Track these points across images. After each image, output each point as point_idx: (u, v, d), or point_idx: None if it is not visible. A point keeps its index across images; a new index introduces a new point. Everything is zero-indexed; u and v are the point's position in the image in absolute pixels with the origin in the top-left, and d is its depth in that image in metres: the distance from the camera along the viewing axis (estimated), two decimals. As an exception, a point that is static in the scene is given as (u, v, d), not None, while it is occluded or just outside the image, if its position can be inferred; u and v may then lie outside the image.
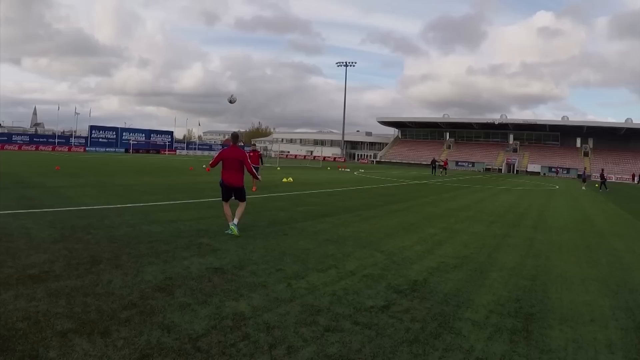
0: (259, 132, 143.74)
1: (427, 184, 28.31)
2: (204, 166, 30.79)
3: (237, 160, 7.90)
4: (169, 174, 23.47)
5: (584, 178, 38.98)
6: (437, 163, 47.06)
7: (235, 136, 8.30)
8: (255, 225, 8.95)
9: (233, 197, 8.10)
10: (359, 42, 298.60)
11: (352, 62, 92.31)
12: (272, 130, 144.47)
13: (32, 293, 4.38)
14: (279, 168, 37.57)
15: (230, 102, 9.52)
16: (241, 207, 8.09)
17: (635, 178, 43.82)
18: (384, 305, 4.65)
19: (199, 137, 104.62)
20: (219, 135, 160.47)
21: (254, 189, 15.99)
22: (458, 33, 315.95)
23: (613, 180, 60.27)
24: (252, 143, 22.78)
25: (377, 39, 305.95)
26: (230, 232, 7.75)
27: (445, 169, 47.40)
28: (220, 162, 8.03)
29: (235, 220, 7.85)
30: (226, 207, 8.10)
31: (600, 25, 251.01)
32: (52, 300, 4.24)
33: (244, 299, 4.54)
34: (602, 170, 38.61)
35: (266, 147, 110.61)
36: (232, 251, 6.62)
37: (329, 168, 47.02)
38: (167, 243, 7.01)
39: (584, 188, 34.88)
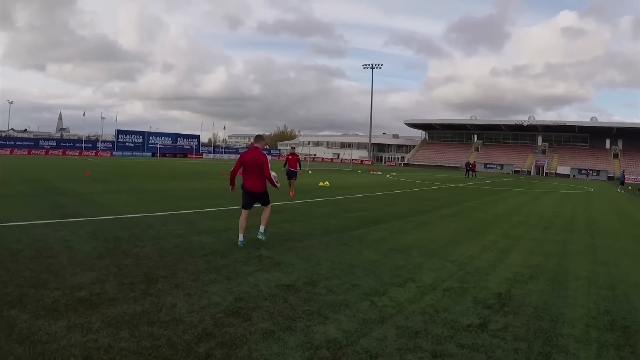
0: (284, 135, 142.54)
1: (464, 187, 27.43)
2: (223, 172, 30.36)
3: (256, 163, 7.04)
4: (201, 178, 22.92)
5: (622, 181, 37.12)
6: (470, 166, 45.62)
7: (258, 137, 7.37)
8: (310, 234, 8.42)
9: (255, 205, 7.28)
10: (381, 44, 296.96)
11: (379, 64, 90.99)
12: (297, 133, 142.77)
13: (87, 323, 3.66)
14: (310, 172, 36.81)
15: None
16: (266, 212, 7.30)
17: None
18: (481, 323, 4.33)
19: (224, 140, 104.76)
20: (244, 138, 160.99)
21: (292, 194, 15.20)
22: (481, 34, 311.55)
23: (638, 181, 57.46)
24: (292, 147, 22.35)
25: (399, 41, 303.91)
26: (239, 243, 6.96)
27: (475, 171, 46.48)
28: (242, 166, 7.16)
29: (262, 228, 7.17)
30: (243, 217, 7.12)
31: (624, 24, 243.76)
32: (113, 331, 3.52)
33: (331, 322, 4.07)
34: None
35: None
36: (296, 264, 6.06)
37: (359, 171, 46.05)
38: (224, 256, 6.29)
39: (621, 191, 33.44)
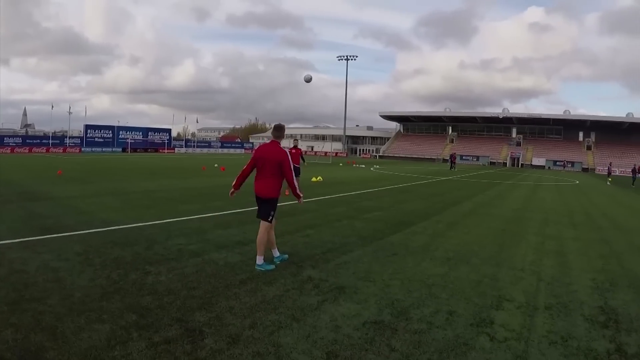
0: (256, 128, 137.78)
1: (457, 181, 26.76)
2: (216, 165, 28.53)
3: (274, 162, 5.52)
4: (184, 175, 20.95)
5: (609, 172, 37.28)
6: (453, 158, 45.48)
7: (278, 128, 5.72)
8: (347, 243, 7.31)
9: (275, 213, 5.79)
10: (351, 37, 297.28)
11: (354, 56, 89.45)
12: (268, 126, 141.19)
13: None
14: (293, 166, 35.20)
15: (307, 81, 7.07)
16: (262, 230, 5.56)
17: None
18: (616, 348, 3.80)
19: (193, 134, 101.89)
20: (214, 132, 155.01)
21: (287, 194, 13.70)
22: (450, 28, 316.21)
23: (617, 174, 58.67)
24: (294, 139, 20.49)
25: (369, 34, 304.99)
26: (278, 262, 5.71)
27: (454, 164, 46.28)
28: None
29: (275, 251, 5.84)
30: (270, 229, 5.68)
31: (590, 21, 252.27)
32: None
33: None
34: (635, 165, 37.23)
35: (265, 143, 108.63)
36: (362, 288, 4.95)
37: (341, 164, 44.79)
38: (268, 282, 4.92)
39: (608, 183, 33.66)
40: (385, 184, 20.88)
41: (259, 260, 5.45)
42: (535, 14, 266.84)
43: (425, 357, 3.33)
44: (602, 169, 62.76)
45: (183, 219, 8.57)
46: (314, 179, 20.48)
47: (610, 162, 46.87)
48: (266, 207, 5.56)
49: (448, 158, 48.37)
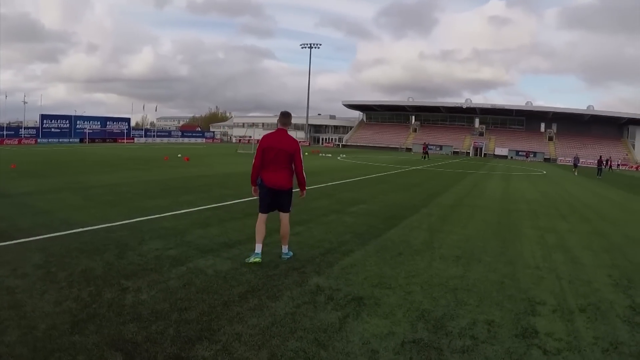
0: (216, 117, 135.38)
1: (427, 170, 26.92)
2: (179, 155, 27.14)
3: (285, 153, 5.26)
4: (146, 166, 19.47)
5: (575, 164, 38.44)
6: (428, 148, 46.32)
7: (285, 115, 5.44)
8: (344, 242, 6.72)
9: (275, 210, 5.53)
10: (312, 26, 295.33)
11: (317, 44, 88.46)
12: (228, 114, 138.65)
13: None
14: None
15: None
16: (286, 223, 5.51)
17: (611, 163, 43.02)
18: None
19: (152, 123, 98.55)
20: (173, 121, 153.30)
21: None
22: (410, 19, 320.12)
23: (579, 165, 60.97)
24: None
25: (330, 23, 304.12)
26: (254, 259, 5.26)
27: (426, 153, 47.09)
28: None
29: (285, 248, 5.60)
30: (261, 223, 5.42)
31: (549, 15, 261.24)
32: None
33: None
34: (600, 156, 38.56)
35: (226, 132, 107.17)
36: (381, 297, 4.41)
37: (306, 153, 43.88)
38: (273, 297, 4.21)
39: (576, 174, 34.49)
40: (358, 173, 20.46)
41: (285, 249, 5.52)
42: (495, 7, 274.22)
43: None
44: (563, 160, 65.09)
45: (154, 217, 7.61)
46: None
47: (577, 153, 48.18)
48: (286, 198, 5.45)
49: (422, 148, 49.38)
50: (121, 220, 7.09)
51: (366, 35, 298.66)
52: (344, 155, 42.04)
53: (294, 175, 5.48)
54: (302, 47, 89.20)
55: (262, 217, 5.43)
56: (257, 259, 5.22)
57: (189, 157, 25.95)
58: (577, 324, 4.06)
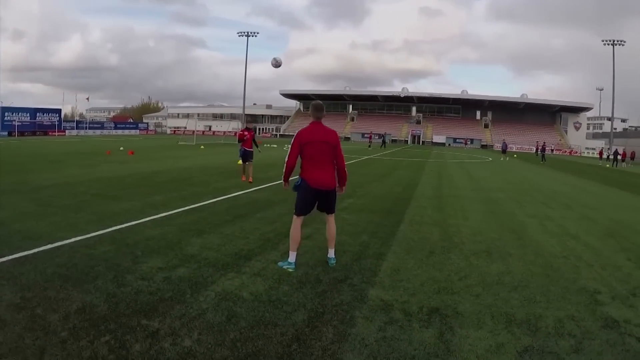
0: (149, 108, 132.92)
1: (384, 160, 26.97)
2: (121, 148, 24.81)
3: (327, 146, 4.78)
4: (91, 162, 16.98)
5: (504, 149, 40.14)
6: (385, 137, 47.92)
7: (318, 107, 4.98)
8: (365, 243, 6.12)
9: (315, 210, 5.04)
10: (244, 15, 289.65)
11: (254, 32, 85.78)
12: (161, 105, 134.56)
13: None
14: (202, 147, 32.32)
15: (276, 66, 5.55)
16: (332, 225, 5.07)
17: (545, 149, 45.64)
18: None
19: (81, 114, 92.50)
20: (103, 112, 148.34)
21: (250, 180, 12.11)
22: (342, 9, 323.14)
23: (514, 150, 64.33)
24: (247, 120, 17.90)
25: (262, 12, 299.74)
26: (287, 265, 4.76)
27: (371, 142, 48.23)
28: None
29: (331, 252, 5.10)
30: (298, 227, 4.89)
31: (478, 7, 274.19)
32: None
33: None
34: (544, 143, 41.05)
35: (160, 123, 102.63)
36: (456, 307, 4.01)
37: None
38: (345, 321, 3.52)
39: (504, 159, 36.24)
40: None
41: (331, 253, 5.07)
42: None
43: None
44: (498, 146, 68.45)
45: (132, 224, 6.36)
46: (240, 162, 18.49)
47: (504, 139, 50.49)
48: (333, 198, 4.97)
49: (379, 137, 50.88)
50: (95, 231, 5.80)
51: (299, 25, 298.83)
52: (289, 146, 41.00)
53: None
54: (239, 36, 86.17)
55: (298, 221, 4.88)
56: (291, 269, 4.68)
57: (133, 150, 23.75)
58: None
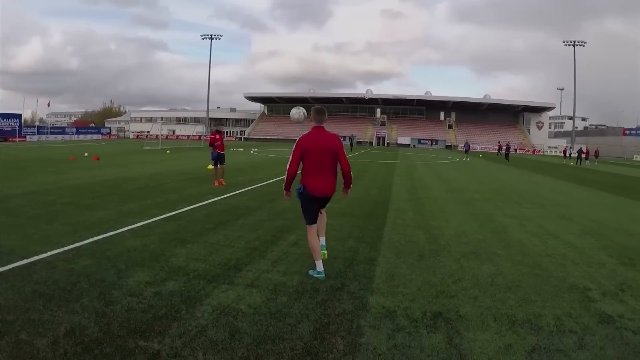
0: (112, 112, 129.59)
1: (351, 162, 26.58)
2: (86, 154, 23.78)
3: (329, 152, 4.72)
4: (57, 168, 16.14)
5: (466, 149, 41.00)
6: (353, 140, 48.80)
7: (320, 112, 4.85)
8: (353, 249, 6.02)
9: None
10: (206, 18, 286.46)
11: (218, 35, 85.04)
12: (124, 109, 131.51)
13: None
14: (168, 151, 31.52)
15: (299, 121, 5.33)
16: (324, 215, 5.12)
17: (503, 148, 46.82)
18: None
19: (41, 119, 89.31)
20: (64, 117, 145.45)
21: (222, 183, 12.01)
22: (305, 11, 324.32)
23: (478, 150, 65.92)
24: (217, 122, 17.37)
25: (224, 15, 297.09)
26: (317, 274, 4.72)
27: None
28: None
29: (322, 240, 5.06)
30: (315, 236, 4.82)
31: (440, 9, 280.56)
32: None
33: None
34: (508, 142, 41.73)
35: (122, 127, 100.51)
36: (457, 310, 4.03)
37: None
38: (355, 331, 3.46)
39: (466, 159, 37.13)
40: (284, 170, 19.21)
41: (322, 240, 4.96)
42: (388, 0, 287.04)
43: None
44: (462, 147, 70.11)
45: (109, 235, 6.03)
46: (209, 167, 18.11)
47: (467, 140, 51.54)
48: (327, 201, 4.96)
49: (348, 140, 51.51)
50: (71, 243, 5.47)
51: (261, 28, 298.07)
52: (256, 149, 40.70)
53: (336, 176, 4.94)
54: (203, 38, 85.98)
55: (312, 230, 4.83)
56: (322, 278, 4.66)
57: (97, 156, 22.85)
58: (630, 302, 4.36)
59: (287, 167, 4.69)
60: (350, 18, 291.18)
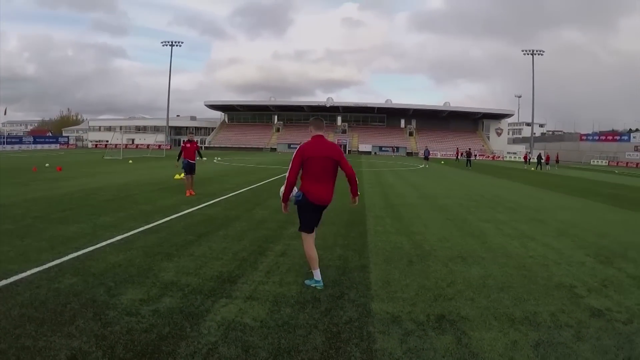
0: (69, 120, 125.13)
1: None
2: (47, 165, 22.63)
3: (330, 160, 4.73)
4: (21, 180, 15.14)
5: (426, 156, 41.71)
6: None
7: (318, 121, 4.96)
8: (343, 257, 6.05)
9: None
10: (166, 24, 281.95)
11: (179, 42, 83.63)
12: (82, 118, 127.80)
13: None
14: (131, 161, 30.57)
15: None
16: (310, 244, 4.99)
17: (463, 155, 48.33)
18: None
19: None
20: (20, 125, 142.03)
21: (193, 193, 11.85)
22: (265, 19, 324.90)
23: (438, 156, 67.44)
24: (190, 132, 17.04)
25: (184, 22, 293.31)
26: (315, 284, 4.72)
27: None
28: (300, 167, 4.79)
29: (317, 274, 4.96)
30: (312, 244, 4.80)
31: (400, 19, 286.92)
32: None
33: None
34: (470, 149, 43.14)
35: (81, 136, 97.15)
36: (458, 312, 4.15)
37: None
38: (367, 338, 3.49)
39: (426, 166, 37.82)
40: (253, 178, 19.07)
41: (317, 275, 4.74)
42: (349, 9, 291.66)
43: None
44: (422, 153, 71.57)
45: (89, 250, 5.74)
46: (177, 177, 17.73)
47: (427, 146, 52.66)
48: (321, 213, 4.94)
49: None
50: (50, 260, 5.18)
51: (221, 35, 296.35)
52: (219, 158, 40.10)
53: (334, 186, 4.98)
54: (163, 45, 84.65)
55: (309, 238, 4.79)
56: (320, 287, 4.66)
57: (60, 166, 21.82)
58: (615, 297, 4.68)
59: (287, 175, 4.64)
60: (311, 26, 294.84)
